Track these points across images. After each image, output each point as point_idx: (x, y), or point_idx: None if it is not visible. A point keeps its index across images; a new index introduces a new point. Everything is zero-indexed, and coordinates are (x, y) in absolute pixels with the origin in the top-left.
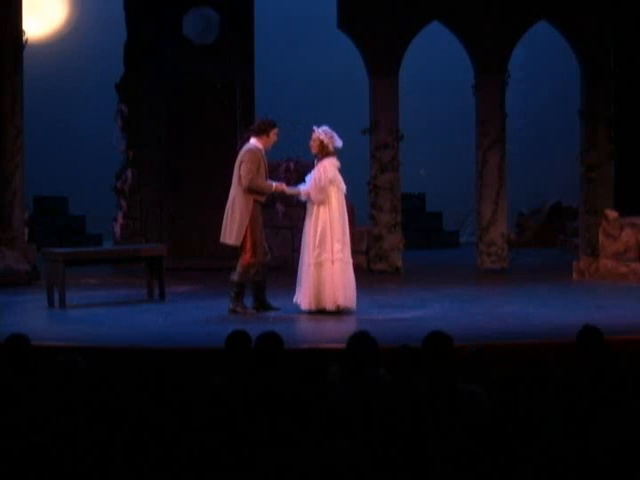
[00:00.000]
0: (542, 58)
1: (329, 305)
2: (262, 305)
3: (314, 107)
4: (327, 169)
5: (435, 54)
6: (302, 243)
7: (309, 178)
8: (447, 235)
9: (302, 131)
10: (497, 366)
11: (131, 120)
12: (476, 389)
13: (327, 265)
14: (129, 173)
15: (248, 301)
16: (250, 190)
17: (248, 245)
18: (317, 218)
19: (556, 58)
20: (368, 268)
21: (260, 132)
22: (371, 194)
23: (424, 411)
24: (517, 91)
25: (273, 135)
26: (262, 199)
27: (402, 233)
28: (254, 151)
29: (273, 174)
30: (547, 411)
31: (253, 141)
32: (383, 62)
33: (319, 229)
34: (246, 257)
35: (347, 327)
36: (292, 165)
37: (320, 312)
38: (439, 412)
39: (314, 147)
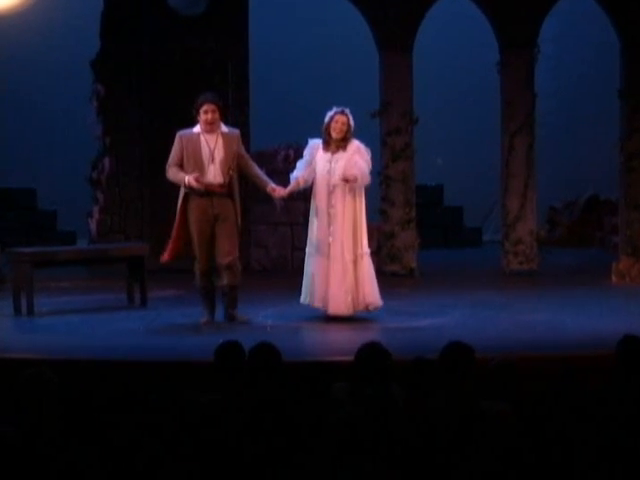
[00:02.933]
0: (576, 31)
1: (362, 306)
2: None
3: (316, 86)
4: (366, 150)
5: (455, 26)
6: (324, 236)
7: (342, 161)
8: (468, 232)
9: (301, 114)
10: (525, 381)
11: (108, 102)
12: (502, 407)
13: (363, 260)
14: (106, 162)
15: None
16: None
17: (168, 242)
18: (352, 207)
19: (592, 31)
20: (379, 270)
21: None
22: (382, 186)
23: (442, 432)
24: (547, 68)
25: (202, 114)
26: (197, 190)
27: (417, 230)
28: (178, 135)
29: (272, 163)
30: (583, 431)
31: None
32: (395, 35)
33: (357, 220)
34: (161, 256)
35: (355, 337)
36: (292, 153)
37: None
38: (459, 434)
39: (344, 131)
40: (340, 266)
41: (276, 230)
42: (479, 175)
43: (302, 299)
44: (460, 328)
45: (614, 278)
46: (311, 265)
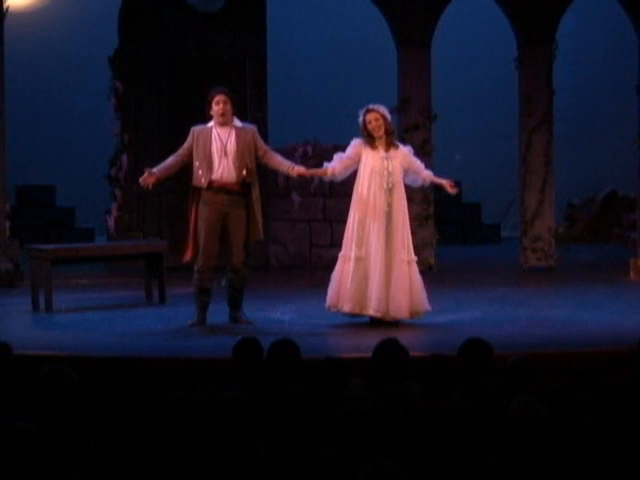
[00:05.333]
0: (594, 26)
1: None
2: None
3: (334, 83)
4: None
5: (473, 22)
6: (379, 237)
7: (392, 164)
8: (487, 229)
9: (320, 111)
10: (543, 378)
11: (127, 98)
12: (533, 404)
13: (412, 267)
14: (124, 159)
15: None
16: None
17: (187, 240)
18: (406, 208)
19: (610, 26)
20: None
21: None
22: None
23: (460, 429)
24: (566, 64)
25: (214, 106)
26: (201, 184)
27: (435, 227)
28: (191, 129)
29: (290, 160)
30: (600, 428)
31: None
32: (413, 31)
33: (408, 222)
34: (183, 256)
35: (373, 334)
36: (310, 149)
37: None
38: (477, 430)
39: (382, 126)
40: (399, 268)
41: (294, 227)
42: (497, 171)
43: (334, 307)
44: (478, 324)
45: (632, 274)
46: (360, 269)
